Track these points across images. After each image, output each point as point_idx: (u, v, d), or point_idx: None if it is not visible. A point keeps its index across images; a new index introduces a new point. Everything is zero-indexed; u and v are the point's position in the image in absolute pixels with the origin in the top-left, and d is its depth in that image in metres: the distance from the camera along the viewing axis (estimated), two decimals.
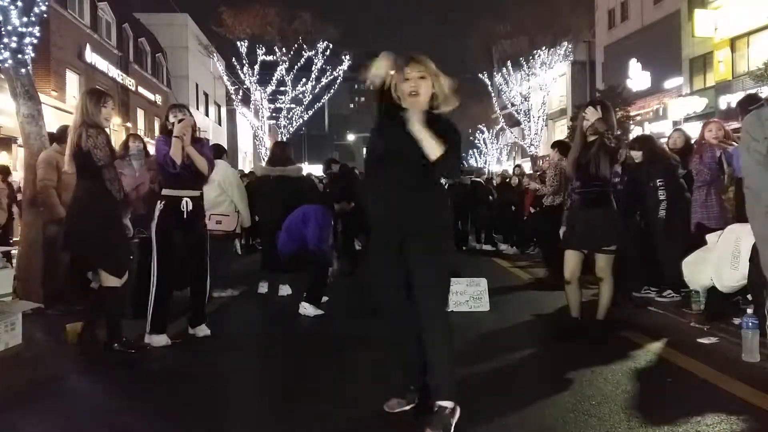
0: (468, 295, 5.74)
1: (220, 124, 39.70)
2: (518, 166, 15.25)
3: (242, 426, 3.13)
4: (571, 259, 4.63)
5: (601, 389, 3.46)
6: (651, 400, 3.31)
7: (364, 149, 3.13)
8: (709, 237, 4.87)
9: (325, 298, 5.94)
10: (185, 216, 4.60)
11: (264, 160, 25.23)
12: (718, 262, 4.49)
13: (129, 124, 24.16)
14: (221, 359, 4.36)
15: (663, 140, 7.17)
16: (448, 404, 2.80)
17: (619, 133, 4.51)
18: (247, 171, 16.40)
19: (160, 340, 4.53)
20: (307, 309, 5.76)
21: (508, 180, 12.94)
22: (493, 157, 45.76)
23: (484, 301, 5.82)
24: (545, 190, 7.70)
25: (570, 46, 29.53)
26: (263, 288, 6.90)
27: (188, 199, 4.62)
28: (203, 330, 4.79)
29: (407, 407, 3.12)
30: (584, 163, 4.49)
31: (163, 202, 4.60)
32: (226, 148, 7.59)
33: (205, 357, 4.39)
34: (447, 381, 2.85)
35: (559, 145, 8.08)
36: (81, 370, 4.02)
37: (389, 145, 2.94)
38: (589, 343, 4.44)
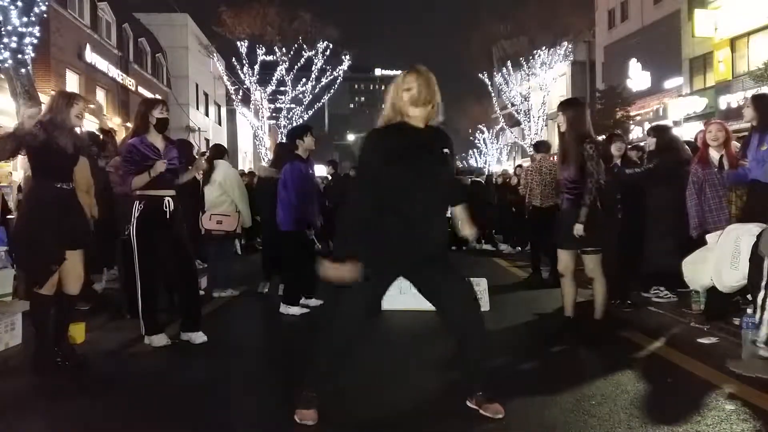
0: None
1: (220, 124, 39.67)
2: (519, 166, 15.25)
3: (242, 427, 3.13)
4: (563, 255, 4.61)
5: (601, 389, 3.46)
6: (651, 400, 3.31)
7: (361, 156, 3.05)
8: (709, 237, 4.86)
9: (316, 302, 5.94)
10: (167, 216, 4.52)
11: (264, 160, 25.29)
12: (718, 262, 4.48)
13: (129, 124, 24.15)
14: (221, 360, 4.36)
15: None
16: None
17: (599, 138, 4.46)
18: (246, 171, 16.40)
19: (160, 340, 4.52)
20: (289, 309, 5.76)
21: (508, 180, 12.94)
22: (493, 157, 45.73)
23: (484, 301, 5.82)
24: (522, 192, 7.81)
25: (570, 46, 29.51)
26: (263, 288, 6.90)
27: (170, 199, 4.55)
28: (200, 337, 4.63)
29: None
30: (572, 164, 4.45)
31: (142, 203, 4.49)
32: (226, 148, 7.58)
33: (205, 357, 4.38)
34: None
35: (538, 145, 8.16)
36: (80, 370, 4.01)
37: (410, 165, 2.95)
38: (589, 342, 4.44)
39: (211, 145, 10.98)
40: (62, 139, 3.89)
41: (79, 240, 4.06)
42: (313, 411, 3.04)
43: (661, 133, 6.05)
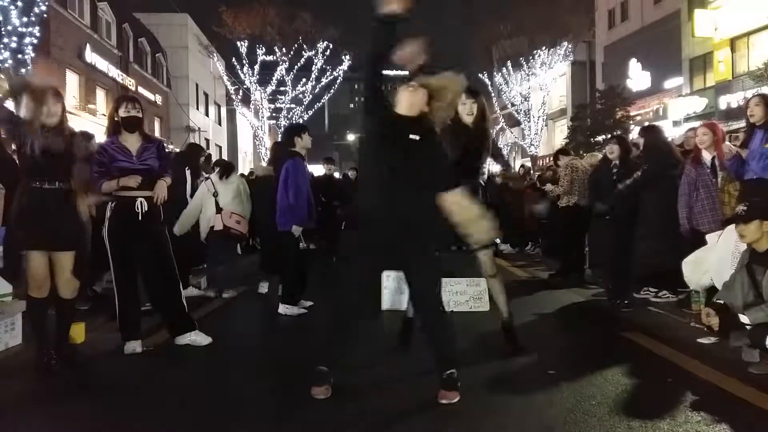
0: (468, 295, 5.73)
1: (220, 124, 39.65)
2: (523, 166, 15.24)
3: (242, 427, 3.12)
4: None
5: (601, 389, 3.46)
6: (651, 400, 3.31)
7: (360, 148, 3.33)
8: (709, 237, 4.85)
9: (309, 303, 5.92)
10: (140, 218, 4.30)
11: (264, 160, 25.28)
12: (718, 262, 4.48)
13: None
14: (220, 360, 4.35)
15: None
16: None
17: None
18: (246, 172, 16.38)
19: (132, 347, 4.34)
20: (288, 310, 5.72)
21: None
22: None
23: (484, 301, 5.82)
24: (558, 191, 7.69)
25: (570, 46, 29.51)
26: (263, 288, 6.90)
27: (143, 200, 4.32)
28: (204, 339, 4.52)
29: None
30: None
31: (114, 203, 4.31)
32: (226, 148, 7.56)
33: (204, 357, 4.37)
34: (451, 354, 3.42)
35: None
36: (80, 370, 4.01)
37: (400, 153, 3.48)
38: (589, 342, 4.44)
39: (211, 144, 10.93)
40: (39, 139, 3.76)
41: (66, 241, 3.93)
42: (325, 387, 3.30)
43: (649, 133, 6.07)
